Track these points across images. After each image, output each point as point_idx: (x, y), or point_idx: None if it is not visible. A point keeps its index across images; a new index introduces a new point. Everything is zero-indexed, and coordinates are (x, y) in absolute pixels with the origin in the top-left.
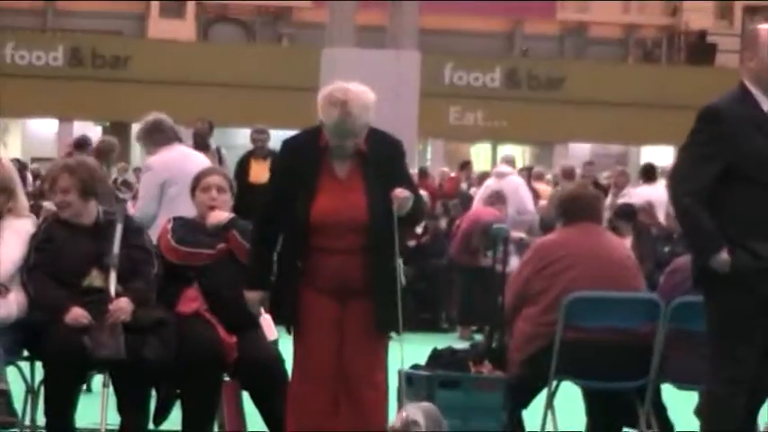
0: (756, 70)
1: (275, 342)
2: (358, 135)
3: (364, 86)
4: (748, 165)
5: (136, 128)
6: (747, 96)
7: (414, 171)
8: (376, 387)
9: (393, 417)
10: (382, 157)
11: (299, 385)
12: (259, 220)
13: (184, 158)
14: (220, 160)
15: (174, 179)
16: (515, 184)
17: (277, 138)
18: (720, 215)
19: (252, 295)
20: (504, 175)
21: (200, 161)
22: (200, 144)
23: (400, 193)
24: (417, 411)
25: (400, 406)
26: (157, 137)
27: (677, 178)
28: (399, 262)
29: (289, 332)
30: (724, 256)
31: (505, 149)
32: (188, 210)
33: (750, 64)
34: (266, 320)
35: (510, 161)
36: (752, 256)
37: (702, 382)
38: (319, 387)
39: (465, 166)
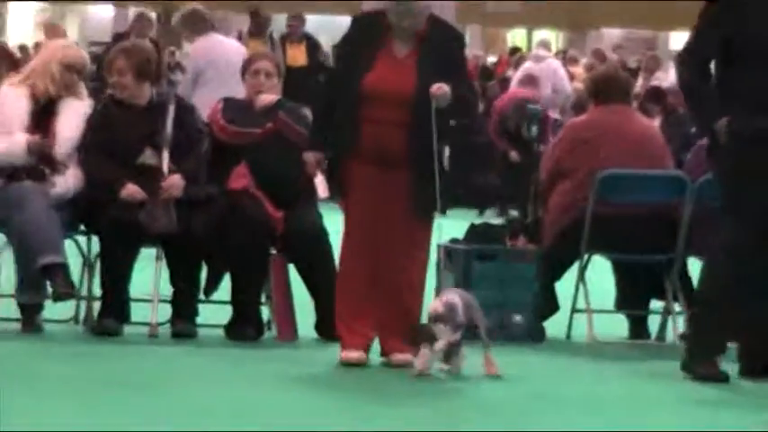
0: None
1: (320, 216)
2: (415, 16)
3: None
4: (747, 43)
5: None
6: None
7: None
8: (413, 265)
9: (432, 297)
10: (441, 44)
11: (344, 262)
12: (324, 87)
13: (220, 46)
14: (273, 46)
15: (210, 64)
16: (553, 67)
17: (315, 23)
18: (725, 91)
19: (309, 156)
20: (542, 59)
21: (235, 48)
22: (256, 28)
23: (437, 89)
24: (455, 296)
25: (440, 277)
26: (194, 27)
27: (683, 48)
28: (442, 147)
29: (338, 204)
30: (722, 122)
31: (541, 34)
32: (225, 91)
33: None
34: (320, 180)
35: (546, 45)
36: (752, 128)
37: None
38: (361, 262)
39: (515, 51)
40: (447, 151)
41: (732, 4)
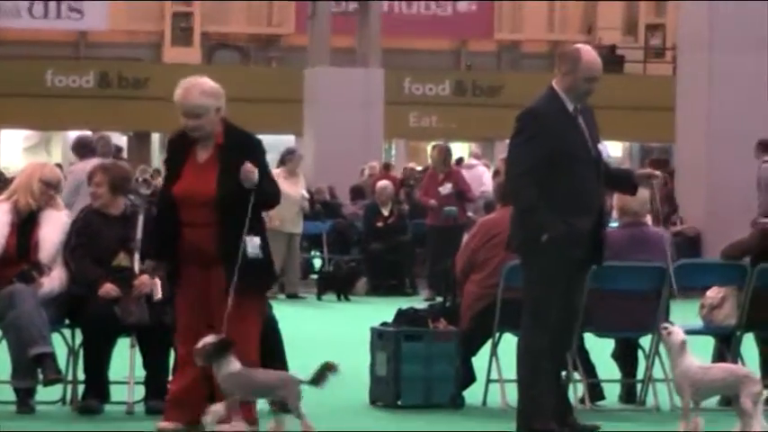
0: (572, 83)
1: (270, 307)
2: (199, 116)
3: (214, 84)
4: (564, 155)
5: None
6: (557, 99)
7: (380, 165)
8: (237, 337)
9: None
10: (237, 148)
11: (179, 348)
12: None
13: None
14: None
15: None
16: (480, 173)
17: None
18: (548, 197)
19: (148, 264)
20: (473, 166)
21: None
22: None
23: (247, 167)
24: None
25: (374, 357)
26: (80, 150)
27: (510, 164)
28: (251, 238)
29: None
30: (556, 227)
31: (456, 146)
32: None
33: (567, 78)
34: (157, 283)
35: (477, 155)
36: (571, 229)
37: (619, 330)
38: (188, 342)
39: (460, 161)
40: (258, 240)
41: (545, 123)
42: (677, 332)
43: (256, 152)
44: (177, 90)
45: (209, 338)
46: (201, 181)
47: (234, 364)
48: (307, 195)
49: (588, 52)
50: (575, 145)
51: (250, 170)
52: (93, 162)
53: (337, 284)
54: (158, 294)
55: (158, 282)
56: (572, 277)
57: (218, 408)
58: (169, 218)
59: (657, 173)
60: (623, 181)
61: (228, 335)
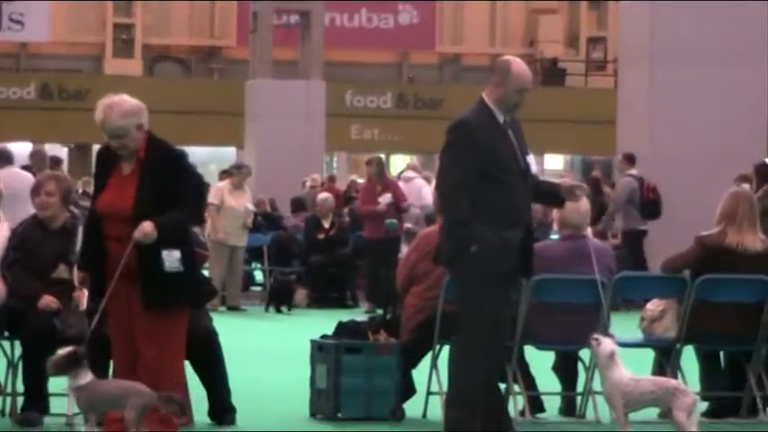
0: (502, 95)
1: (210, 318)
2: (121, 137)
3: (133, 100)
4: (495, 167)
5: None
6: (487, 111)
7: (321, 177)
8: (158, 351)
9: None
10: (158, 163)
11: (113, 361)
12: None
13: (17, 175)
14: None
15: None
16: (419, 186)
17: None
18: (477, 209)
19: (78, 275)
20: (411, 179)
21: (25, 177)
22: None
23: (140, 234)
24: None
25: (314, 369)
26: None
27: (442, 176)
28: (169, 252)
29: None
30: (487, 239)
31: (397, 159)
32: (20, 211)
33: (497, 89)
34: (83, 293)
35: (415, 168)
36: (501, 240)
37: (559, 343)
38: (119, 355)
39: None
40: (177, 254)
41: (477, 135)
42: (607, 343)
43: (178, 166)
44: (97, 111)
45: (62, 350)
46: (122, 196)
47: (84, 377)
48: (252, 209)
49: (519, 64)
50: (505, 157)
51: (144, 236)
52: (13, 171)
53: (276, 297)
54: (82, 306)
55: (85, 293)
56: (502, 289)
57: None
58: (95, 231)
59: (583, 185)
60: (550, 194)
61: (147, 351)
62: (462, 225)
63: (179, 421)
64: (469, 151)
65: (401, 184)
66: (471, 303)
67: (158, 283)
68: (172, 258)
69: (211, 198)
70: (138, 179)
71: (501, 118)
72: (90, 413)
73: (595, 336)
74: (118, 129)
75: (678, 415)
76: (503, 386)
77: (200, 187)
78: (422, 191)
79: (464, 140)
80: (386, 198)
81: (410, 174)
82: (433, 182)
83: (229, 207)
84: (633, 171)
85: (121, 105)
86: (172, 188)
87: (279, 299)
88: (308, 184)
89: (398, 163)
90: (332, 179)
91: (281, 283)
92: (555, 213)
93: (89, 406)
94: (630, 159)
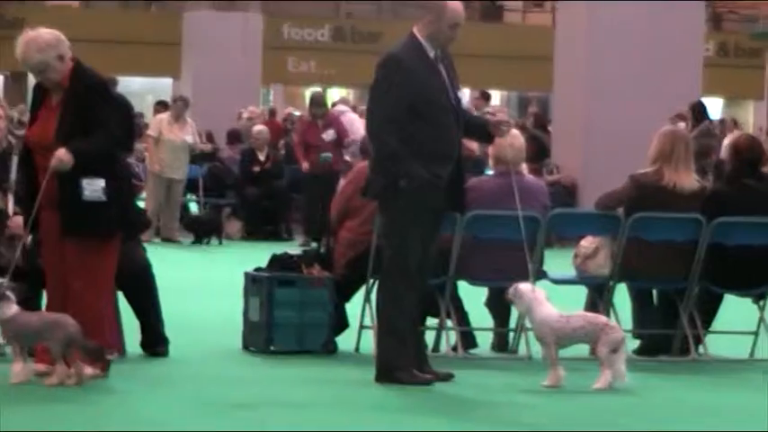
0: (435, 31)
1: (144, 249)
2: (43, 71)
3: (50, 32)
4: (424, 102)
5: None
6: (418, 46)
7: (262, 109)
8: (84, 282)
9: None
10: (82, 91)
11: (47, 290)
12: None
13: None
14: None
15: None
16: (351, 119)
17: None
18: (407, 144)
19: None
20: (342, 113)
21: None
22: None
23: (56, 161)
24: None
25: (247, 302)
26: None
27: (371, 111)
28: (90, 180)
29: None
30: (416, 173)
31: (334, 92)
32: None
33: (431, 25)
34: (17, 221)
35: (346, 101)
36: (431, 175)
37: (492, 279)
38: (54, 294)
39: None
40: (100, 183)
41: (407, 70)
42: (524, 292)
43: (101, 93)
44: (17, 48)
45: None
46: (47, 126)
47: (8, 309)
48: (191, 141)
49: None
50: (436, 92)
51: (61, 164)
52: None
53: (203, 229)
54: (20, 235)
55: (19, 221)
56: (430, 224)
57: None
58: (28, 162)
59: (510, 121)
60: (479, 130)
61: (74, 282)
62: (391, 159)
63: (109, 356)
64: (399, 87)
65: (352, 115)
66: (399, 237)
67: (77, 211)
68: (93, 187)
69: (150, 130)
70: (62, 108)
71: (432, 53)
72: (15, 345)
73: (509, 292)
74: (38, 64)
75: (601, 350)
76: (435, 321)
77: (126, 115)
78: (354, 125)
79: (394, 76)
80: (329, 135)
81: (341, 107)
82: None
83: (167, 140)
84: (488, 108)
85: (37, 40)
86: (95, 116)
87: (204, 231)
88: (244, 116)
89: (335, 96)
90: (272, 113)
91: (204, 216)
92: (489, 149)
93: (14, 338)
94: (486, 96)
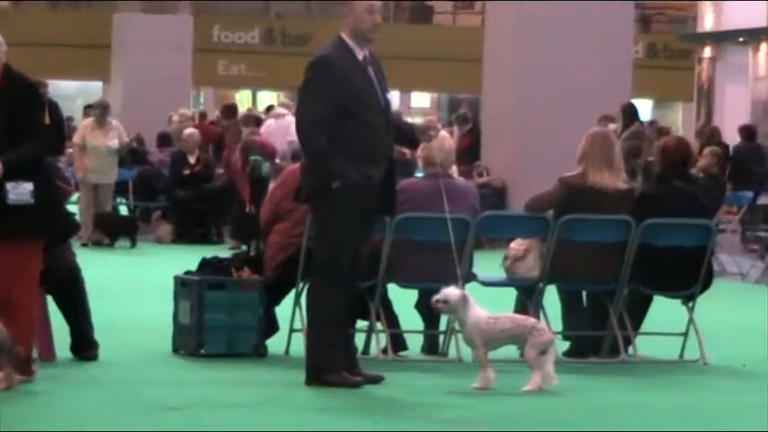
0: (354, 22)
1: (74, 254)
2: None
3: None
4: (354, 104)
5: None
6: (346, 48)
7: (192, 112)
8: (9, 285)
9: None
10: (12, 94)
11: None
12: None
13: None
14: None
15: None
16: (288, 122)
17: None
18: (338, 146)
19: None
20: (281, 116)
21: None
22: None
23: None
24: None
25: (177, 305)
26: None
27: (301, 113)
28: (16, 183)
29: None
30: (347, 175)
31: (264, 95)
32: None
33: (349, 18)
34: None
35: (287, 105)
36: (362, 177)
37: (422, 281)
38: None
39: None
40: (28, 186)
41: (336, 72)
42: (452, 296)
43: (31, 97)
44: None
45: None
46: None
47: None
48: (116, 147)
49: None
50: (365, 94)
51: None
52: None
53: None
54: None
55: None
56: (361, 226)
57: None
58: None
59: (437, 125)
60: (405, 134)
61: (4, 285)
62: (322, 161)
63: (33, 368)
64: (328, 88)
65: (271, 121)
66: (330, 239)
67: (2, 215)
68: (19, 191)
69: (75, 138)
70: None
71: (360, 54)
72: None
73: (436, 299)
74: None
75: (528, 352)
76: (365, 323)
77: (56, 119)
78: (290, 128)
79: (323, 77)
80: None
81: (281, 110)
82: None
83: (93, 146)
84: None
85: None
86: (25, 120)
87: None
88: (174, 119)
89: (266, 99)
90: (203, 116)
91: (118, 216)
92: (419, 151)
93: None
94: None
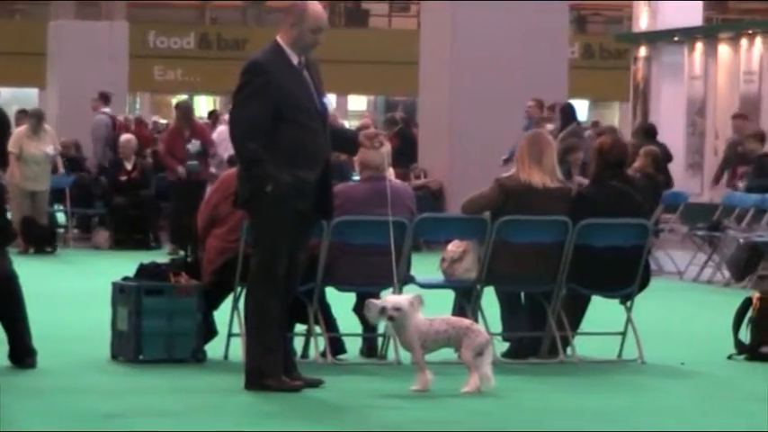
0: (297, 36)
1: (10, 261)
2: None
3: None
4: (290, 108)
5: None
6: (281, 53)
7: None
8: None
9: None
10: None
11: None
12: None
13: None
14: None
15: None
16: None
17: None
18: (273, 150)
19: None
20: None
21: None
22: None
23: None
24: None
25: (115, 311)
26: None
27: (235, 118)
28: None
29: None
30: (281, 178)
31: (201, 100)
32: None
33: (292, 30)
34: None
35: None
36: (296, 180)
37: (360, 285)
38: None
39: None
40: None
41: (270, 76)
42: (404, 303)
43: None
44: None
45: None
46: None
47: None
48: (52, 153)
49: (314, 5)
50: (300, 98)
51: None
52: None
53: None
54: None
55: None
56: (298, 230)
57: None
58: None
59: (382, 133)
60: (346, 141)
61: None
62: (255, 165)
63: None
64: (263, 92)
65: (222, 127)
66: (267, 243)
67: None
68: None
69: (10, 146)
70: None
71: (295, 59)
72: None
73: (384, 309)
74: None
75: (464, 354)
76: (303, 327)
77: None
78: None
79: (257, 81)
80: (195, 146)
81: (227, 116)
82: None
83: (29, 154)
84: (107, 109)
85: None
86: None
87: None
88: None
89: (202, 104)
90: (140, 121)
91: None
92: (357, 156)
93: None
94: (105, 98)
